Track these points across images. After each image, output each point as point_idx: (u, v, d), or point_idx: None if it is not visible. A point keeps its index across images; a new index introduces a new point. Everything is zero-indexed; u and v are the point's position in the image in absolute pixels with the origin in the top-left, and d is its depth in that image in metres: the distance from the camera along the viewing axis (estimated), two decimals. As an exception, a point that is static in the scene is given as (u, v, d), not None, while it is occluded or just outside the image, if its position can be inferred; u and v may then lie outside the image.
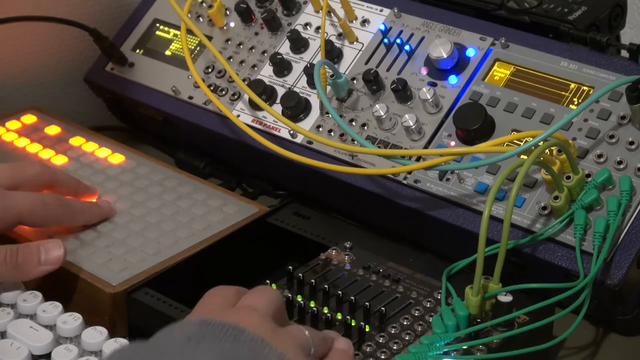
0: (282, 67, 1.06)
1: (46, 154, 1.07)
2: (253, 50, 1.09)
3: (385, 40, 1.03)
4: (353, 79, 1.02)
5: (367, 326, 0.81)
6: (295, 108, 1.02)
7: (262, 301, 0.72)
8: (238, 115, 1.05)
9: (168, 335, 0.66)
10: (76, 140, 1.09)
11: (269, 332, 0.68)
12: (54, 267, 0.87)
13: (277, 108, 1.04)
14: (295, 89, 1.04)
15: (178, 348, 0.64)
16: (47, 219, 0.92)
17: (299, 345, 0.69)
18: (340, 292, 0.84)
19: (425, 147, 0.95)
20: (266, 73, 1.07)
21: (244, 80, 1.07)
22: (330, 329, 0.81)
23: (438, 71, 0.99)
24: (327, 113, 1.01)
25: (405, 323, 0.82)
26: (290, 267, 0.87)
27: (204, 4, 1.15)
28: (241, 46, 1.10)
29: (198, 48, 1.13)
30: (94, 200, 0.98)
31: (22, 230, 0.93)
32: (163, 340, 0.66)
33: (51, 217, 0.92)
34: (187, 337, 0.64)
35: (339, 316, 0.83)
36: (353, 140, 0.97)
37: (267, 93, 1.04)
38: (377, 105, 0.97)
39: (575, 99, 0.93)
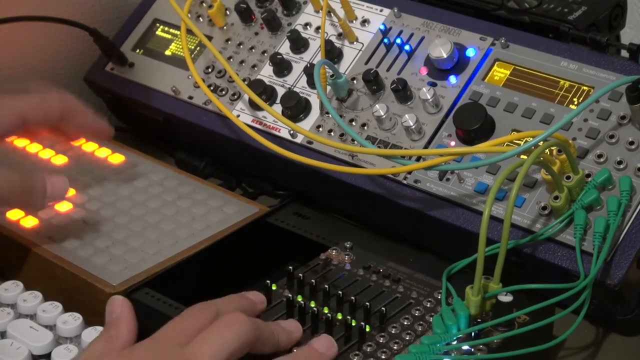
0: (282, 67, 1.06)
1: (46, 154, 1.07)
2: (253, 50, 1.09)
3: (385, 40, 1.03)
4: (353, 79, 1.02)
5: (367, 326, 0.81)
6: (295, 108, 1.02)
7: (211, 349, 0.72)
8: (238, 115, 1.05)
9: None
10: (76, 141, 1.09)
11: None
12: (57, 200, 0.91)
13: (277, 108, 1.04)
14: (295, 89, 1.04)
15: None
16: (49, 115, 0.94)
17: None
18: (340, 292, 0.84)
19: (425, 147, 0.95)
20: (266, 73, 1.07)
21: (244, 80, 1.07)
22: (331, 329, 0.81)
23: (438, 71, 0.99)
24: (327, 113, 1.01)
25: (405, 323, 0.82)
26: (290, 267, 0.87)
27: (204, 4, 1.15)
28: (241, 46, 1.10)
29: (198, 48, 1.13)
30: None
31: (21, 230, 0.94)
32: None
33: (53, 112, 0.94)
34: None
35: (339, 316, 0.83)
36: (353, 140, 0.97)
37: (267, 93, 1.04)
38: (377, 105, 0.97)
39: (575, 99, 0.93)
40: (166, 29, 1.17)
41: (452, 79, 0.98)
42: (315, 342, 0.78)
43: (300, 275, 0.86)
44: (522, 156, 0.88)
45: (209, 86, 1.09)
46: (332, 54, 1.04)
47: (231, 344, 0.73)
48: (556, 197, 0.86)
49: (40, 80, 0.98)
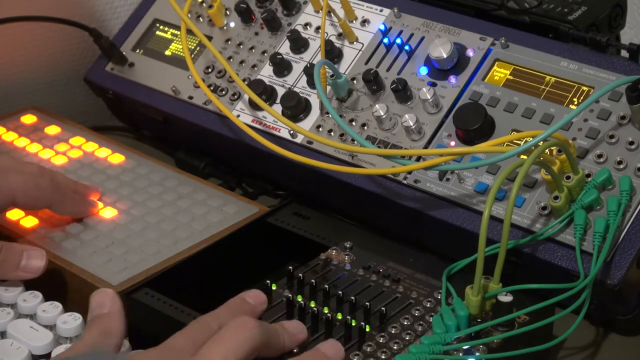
0: (282, 67, 1.06)
1: (46, 154, 1.07)
2: (253, 50, 1.09)
3: (385, 40, 1.03)
4: (353, 79, 1.02)
5: (367, 326, 0.81)
6: (295, 108, 1.02)
7: (222, 353, 0.71)
8: (238, 115, 1.05)
9: None
10: (76, 140, 1.09)
11: None
12: (31, 276, 0.87)
13: (277, 108, 1.04)
14: (295, 89, 1.04)
15: None
16: (39, 201, 0.93)
17: None
18: (340, 292, 0.84)
19: (425, 147, 0.95)
20: (266, 73, 1.07)
21: (244, 80, 1.07)
22: (331, 329, 0.81)
23: (438, 71, 0.99)
24: (327, 113, 1.01)
25: (405, 323, 0.82)
26: (290, 267, 0.87)
27: (204, 4, 1.15)
28: (241, 46, 1.10)
29: (198, 48, 1.13)
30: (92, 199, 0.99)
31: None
32: None
33: (43, 199, 0.93)
34: None
35: (339, 316, 0.83)
36: (353, 140, 0.97)
37: (267, 93, 1.04)
38: (377, 105, 0.97)
39: (575, 99, 0.93)
40: (166, 29, 1.17)
41: (452, 79, 0.98)
42: (322, 346, 0.78)
43: (300, 275, 0.86)
44: (522, 156, 0.88)
45: (209, 86, 1.09)
46: (332, 54, 1.04)
47: (241, 348, 0.72)
48: (556, 197, 0.86)
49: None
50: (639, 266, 0.85)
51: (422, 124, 0.96)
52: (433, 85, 0.98)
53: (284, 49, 1.07)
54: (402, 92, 0.98)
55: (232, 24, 1.12)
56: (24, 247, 0.88)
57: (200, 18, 1.14)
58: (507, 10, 1.02)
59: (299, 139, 1.01)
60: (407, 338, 0.80)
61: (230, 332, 0.73)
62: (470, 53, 0.99)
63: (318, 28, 1.07)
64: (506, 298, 0.81)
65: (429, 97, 0.96)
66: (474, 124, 0.93)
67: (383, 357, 0.78)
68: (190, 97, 1.10)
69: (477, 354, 0.77)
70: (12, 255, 0.87)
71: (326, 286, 0.85)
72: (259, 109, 1.04)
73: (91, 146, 1.08)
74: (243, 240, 0.95)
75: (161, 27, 1.17)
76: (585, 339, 0.90)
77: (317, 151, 1.00)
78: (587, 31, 0.98)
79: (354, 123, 1.00)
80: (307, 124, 1.02)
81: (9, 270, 0.87)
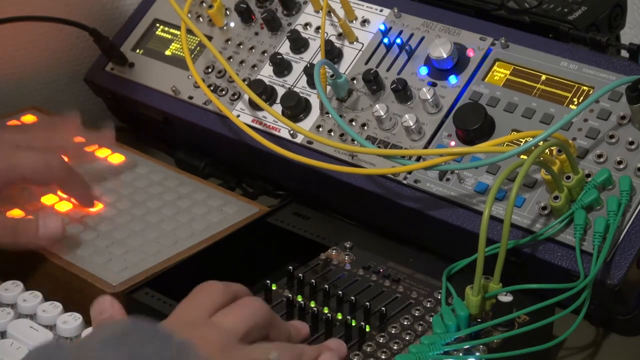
0: (282, 67, 1.06)
1: (46, 154, 1.07)
2: (253, 50, 1.09)
3: (385, 40, 1.03)
4: (353, 79, 1.02)
5: (367, 326, 0.81)
6: (295, 108, 1.02)
7: (235, 318, 0.74)
8: (238, 115, 1.05)
9: (96, 332, 0.68)
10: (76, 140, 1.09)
11: (219, 351, 0.70)
12: (51, 241, 0.91)
13: (277, 108, 1.04)
14: (295, 89, 1.04)
15: (96, 346, 0.65)
16: (48, 178, 0.95)
17: None
18: (340, 292, 0.84)
19: (425, 147, 0.95)
20: (266, 73, 1.07)
21: (244, 80, 1.07)
22: (331, 329, 0.81)
23: (438, 71, 0.99)
24: (327, 113, 1.01)
25: (405, 323, 0.82)
26: (290, 267, 0.87)
27: (204, 4, 1.15)
28: (241, 46, 1.10)
29: (198, 48, 1.13)
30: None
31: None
32: (89, 338, 0.68)
33: (52, 177, 0.95)
34: (112, 336, 0.65)
35: (339, 316, 0.83)
36: (353, 140, 0.97)
37: (267, 93, 1.04)
38: (377, 105, 0.97)
39: (575, 99, 0.93)
40: (166, 29, 1.17)
41: (452, 79, 0.98)
42: (327, 342, 0.79)
43: (300, 275, 0.86)
44: (522, 156, 0.88)
45: (209, 86, 1.09)
46: (332, 54, 1.04)
47: (252, 317, 0.74)
48: (556, 197, 0.86)
49: (44, 127, 1.00)
50: (639, 266, 0.85)
51: (422, 124, 0.96)
52: (433, 85, 0.98)
53: (284, 49, 1.07)
54: (402, 92, 0.98)
55: (232, 24, 1.12)
56: (40, 215, 0.91)
57: (200, 18, 1.14)
58: (507, 10, 1.02)
59: (299, 139, 1.01)
60: (407, 338, 0.80)
61: (240, 302, 0.76)
62: (470, 53, 0.99)
63: (318, 28, 1.07)
64: (506, 298, 0.81)
65: (429, 97, 0.96)
66: (474, 124, 0.93)
67: (383, 357, 0.78)
68: (190, 97, 1.10)
69: (477, 354, 0.77)
70: (30, 224, 0.90)
71: (326, 286, 0.85)
72: (259, 109, 1.04)
73: (91, 146, 1.08)
74: (243, 240, 0.95)
75: (161, 27, 1.17)
76: (585, 339, 0.90)
77: (317, 151, 1.00)
78: (587, 31, 0.98)
79: (354, 123, 1.00)
80: (307, 124, 1.02)
81: (29, 237, 0.90)
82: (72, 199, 0.98)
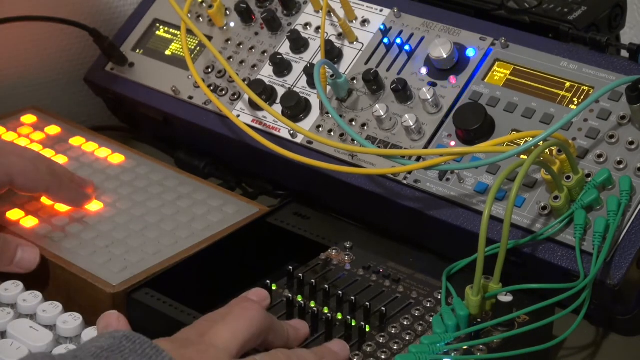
0: (282, 67, 1.06)
1: (46, 154, 1.07)
2: (253, 50, 1.09)
3: (385, 40, 1.03)
4: (353, 79, 1.02)
5: (367, 326, 0.81)
6: (295, 108, 1.02)
7: (228, 334, 0.72)
8: (238, 115, 1.05)
9: (87, 344, 0.67)
10: (76, 140, 1.09)
11: None
12: (23, 271, 0.89)
13: (277, 108, 1.04)
14: (295, 89, 1.04)
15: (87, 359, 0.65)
16: (36, 183, 0.95)
17: None
18: (340, 292, 0.84)
19: (425, 147, 0.95)
20: (266, 73, 1.07)
21: (244, 80, 1.07)
22: (331, 329, 0.81)
23: (438, 71, 0.99)
24: (327, 113, 1.01)
25: (405, 323, 0.82)
26: (290, 267, 0.87)
27: (204, 4, 1.15)
28: (241, 46, 1.10)
29: (198, 48, 1.13)
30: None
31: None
32: (80, 349, 0.67)
33: (40, 182, 0.95)
34: (100, 348, 0.66)
35: (339, 316, 0.83)
36: (353, 140, 0.97)
37: (267, 93, 1.04)
38: (377, 105, 0.97)
39: (575, 99, 0.93)
40: (166, 29, 1.17)
41: (452, 79, 0.98)
42: (329, 344, 0.78)
43: (300, 275, 0.86)
44: (522, 156, 0.88)
45: (209, 86, 1.09)
46: (332, 54, 1.04)
47: (247, 330, 0.73)
48: (556, 197, 0.86)
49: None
50: (639, 266, 0.85)
51: (422, 124, 0.96)
52: (433, 85, 0.98)
53: (284, 49, 1.07)
54: (402, 92, 0.98)
55: (232, 24, 1.12)
56: (19, 242, 0.90)
57: (200, 18, 1.14)
58: (507, 10, 1.02)
59: (299, 139, 1.01)
60: (407, 338, 0.80)
61: (234, 314, 0.74)
62: (470, 53, 0.99)
63: (318, 28, 1.07)
64: (506, 298, 0.81)
65: (429, 97, 0.96)
66: (474, 124, 0.93)
67: (383, 357, 0.78)
68: (190, 97, 1.10)
69: (477, 354, 0.77)
70: (8, 250, 0.89)
71: (326, 286, 0.85)
72: (259, 109, 1.04)
73: (91, 146, 1.08)
74: (243, 240, 0.95)
75: (161, 27, 1.17)
76: (585, 339, 0.90)
77: (317, 151, 1.00)
78: (587, 31, 0.98)
79: (354, 123, 1.00)
80: (307, 124, 1.02)
81: (3, 264, 0.89)
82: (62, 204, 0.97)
